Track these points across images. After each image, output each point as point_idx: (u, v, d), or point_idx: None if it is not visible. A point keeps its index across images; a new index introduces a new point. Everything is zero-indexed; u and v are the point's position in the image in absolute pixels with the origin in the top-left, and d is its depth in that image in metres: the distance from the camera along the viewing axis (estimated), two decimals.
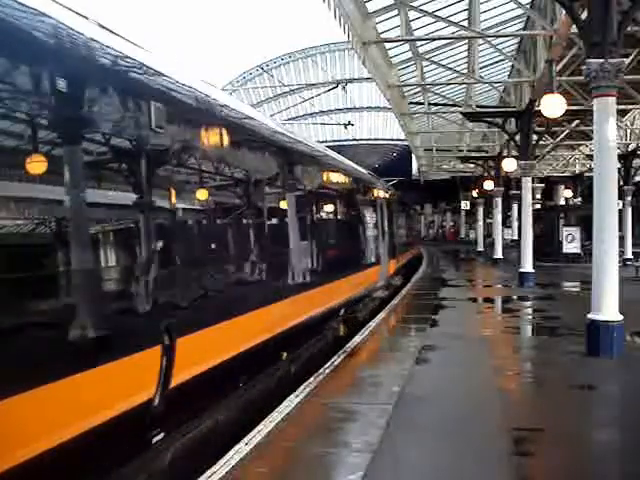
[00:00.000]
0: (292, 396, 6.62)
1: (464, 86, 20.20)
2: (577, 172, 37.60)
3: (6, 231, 3.47)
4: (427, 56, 16.92)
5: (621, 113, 21.83)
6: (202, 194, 5.77)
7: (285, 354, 8.01)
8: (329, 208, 11.00)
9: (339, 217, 11.81)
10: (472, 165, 34.23)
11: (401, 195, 26.95)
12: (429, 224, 69.22)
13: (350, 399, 6.58)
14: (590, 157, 27.66)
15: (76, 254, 3.78)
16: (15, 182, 3.52)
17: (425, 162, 40.06)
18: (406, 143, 38.77)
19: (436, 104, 21.54)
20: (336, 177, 11.32)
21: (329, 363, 8.26)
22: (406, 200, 30.88)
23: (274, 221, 7.91)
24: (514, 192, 26.31)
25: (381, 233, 15.25)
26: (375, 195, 15.29)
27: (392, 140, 60.51)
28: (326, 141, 41.61)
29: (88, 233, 4.03)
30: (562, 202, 39.78)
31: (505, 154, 24.00)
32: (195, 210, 5.76)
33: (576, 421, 6.03)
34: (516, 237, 25.71)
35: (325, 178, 10.55)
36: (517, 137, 18.45)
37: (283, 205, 8.17)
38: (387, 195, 17.47)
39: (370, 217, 14.25)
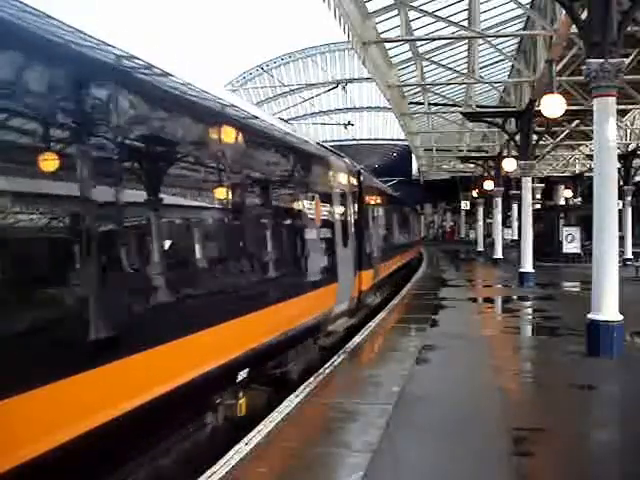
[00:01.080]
0: (292, 396, 6.62)
1: (464, 86, 20.22)
2: (577, 172, 37.64)
3: None
4: (427, 56, 16.95)
5: (621, 113, 21.85)
6: None
7: None
8: (223, 194, 5.89)
9: (245, 210, 6.48)
10: (472, 165, 34.27)
11: (384, 185, 21.97)
12: (429, 224, 69.24)
13: (350, 399, 6.57)
14: (590, 157, 27.66)
15: None
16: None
17: (425, 162, 40.14)
18: (406, 143, 38.85)
19: (436, 104, 21.56)
20: (240, 144, 6.38)
21: (329, 363, 8.26)
22: (399, 193, 27.35)
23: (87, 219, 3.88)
24: (514, 192, 26.31)
25: (340, 236, 10.25)
26: (330, 179, 10.12)
27: (392, 140, 60.68)
28: (326, 141, 41.54)
29: None
30: (562, 202, 39.81)
31: (505, 154, 24.00)
32: None
33: (576, 421, 6.03)
34: (516, 237, 25.71)
35: (216, 142, 5.80)
36: (517, 137, 18.46)
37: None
38: (358, 182, 12.13)
39: (317, 212, 9.19)
